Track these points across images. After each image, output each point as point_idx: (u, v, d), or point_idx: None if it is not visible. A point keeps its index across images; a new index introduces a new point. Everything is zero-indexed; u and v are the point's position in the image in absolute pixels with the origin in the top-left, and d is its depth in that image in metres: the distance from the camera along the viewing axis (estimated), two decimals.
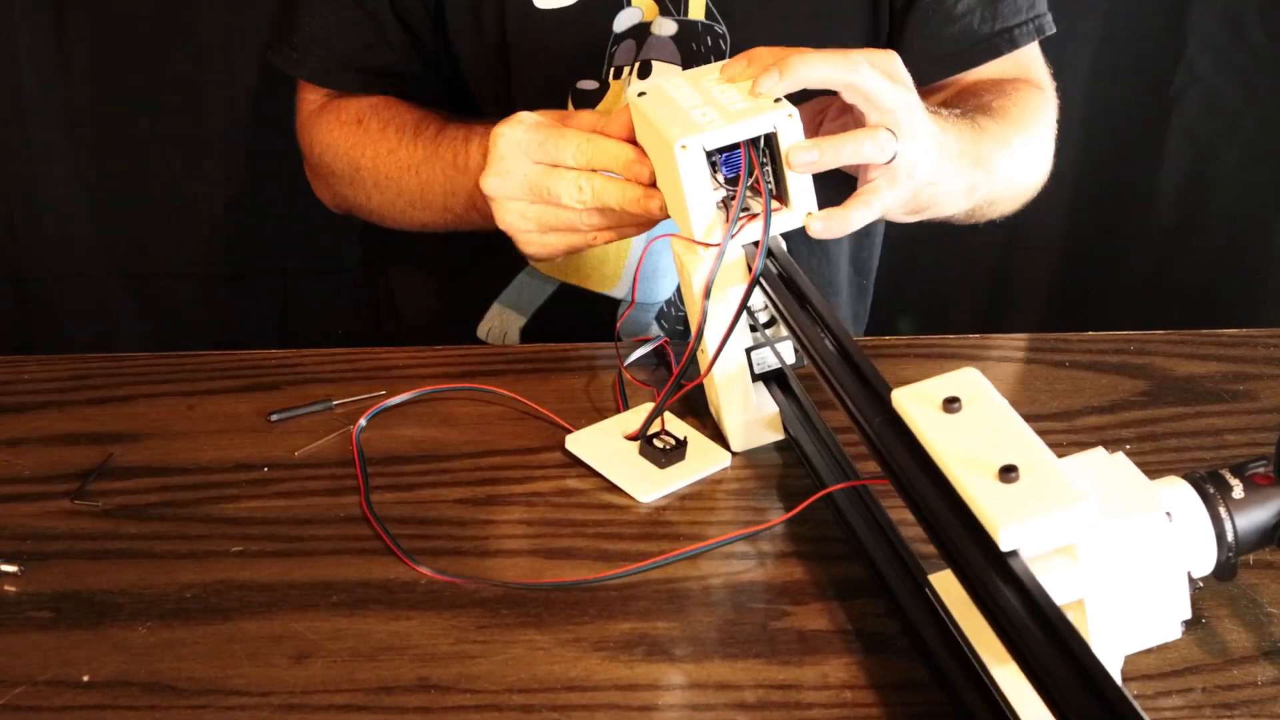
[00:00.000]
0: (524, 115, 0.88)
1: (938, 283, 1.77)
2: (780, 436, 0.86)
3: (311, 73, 1.10)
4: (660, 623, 0.72)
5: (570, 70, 1.06)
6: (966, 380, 0.65)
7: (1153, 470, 0.82)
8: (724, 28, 1.05)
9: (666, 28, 1.05)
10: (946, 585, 0.66)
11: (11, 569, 0.76)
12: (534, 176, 0.86)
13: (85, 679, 0.69)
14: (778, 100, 0.80)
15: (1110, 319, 1.76)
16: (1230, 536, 0.63)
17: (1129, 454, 0.84)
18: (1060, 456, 0.83)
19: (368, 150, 1.05)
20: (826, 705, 0.67)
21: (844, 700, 0.67)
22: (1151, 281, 1.76)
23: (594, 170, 0.85)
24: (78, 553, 0.78)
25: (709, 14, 1.05)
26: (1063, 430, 0.87)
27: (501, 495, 0.82)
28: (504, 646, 0.71)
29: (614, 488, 0.82)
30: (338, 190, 1.10)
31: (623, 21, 1.04)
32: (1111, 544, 0.60)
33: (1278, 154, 1.70)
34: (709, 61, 1.03)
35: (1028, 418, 0.87)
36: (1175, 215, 1.73)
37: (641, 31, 1.05)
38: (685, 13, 1.05)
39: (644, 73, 1.05)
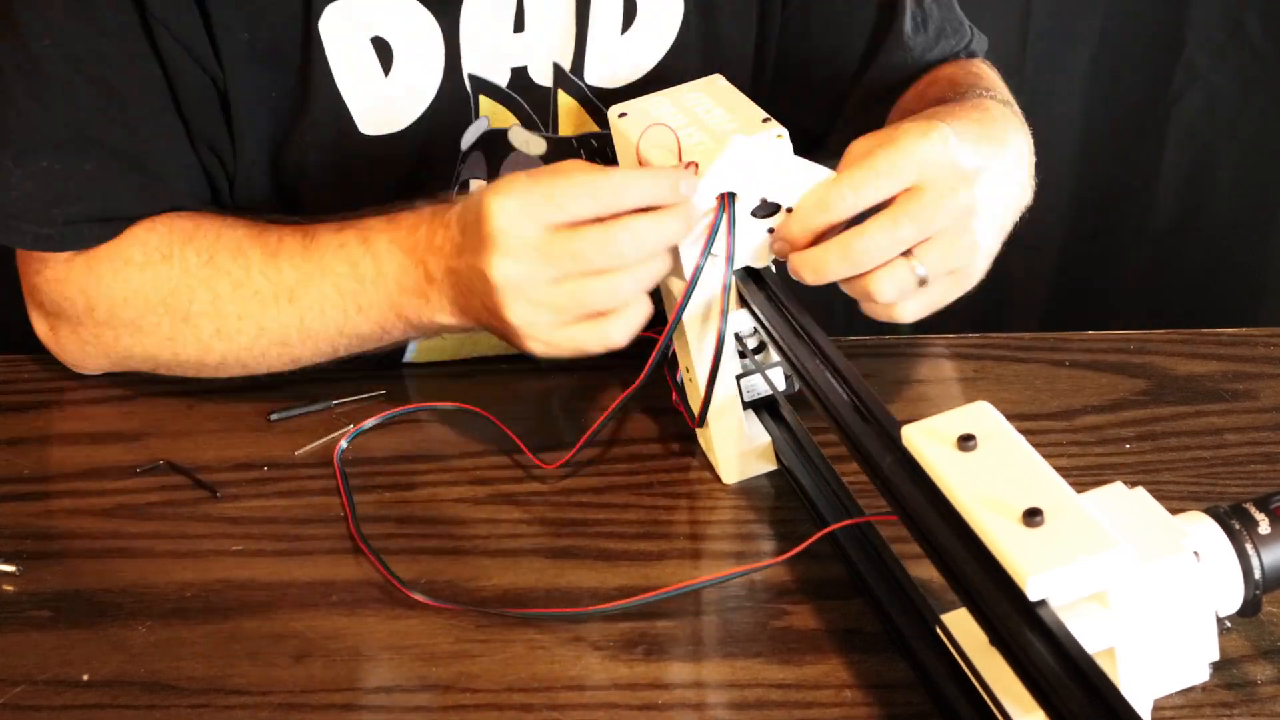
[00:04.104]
0: (512, 177, 0.74)
1: None
2: (773, 467, 0.83)
3: (65, 230, 0.85)
4: (660, 623, 0.72)
5: (408, 193, 0.87)
6: (979, 415, 0.62)
7: (1153, 469, 0.83)
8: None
9: (535, 146, 0.93)
10: (961, 627, 0.63)
11: (11, 569, 0.76)
12: (557, 246, 0.71)
13: (85, 678, 0.69)
14: (766, 119, 0.77)
15: (1110, 319, 1.76)
16: (1257, 574, 0.62)
17: (1129, 453, 0.85)
18: (1060, 457, 0.83)
19: (200, 292, 0.84)
20: (826, 705, 0.67)
21: (844, 700, 0.67)
22: (1151, 281, 1.76)
23: (627, 211, 0.72)
24: (78, 552, 0.78)
25: (600, 119, 0.94)
26: (1062, 430, 0.87)
27: (501, 495, 0.82)
28: (504, 646, 0.71)
29: (612, 488, 0.82)
30: (138, 349, 0.87)
31: (470, 135, 0.93)
32: (1143, 589, 0.58)
33: (1278, 154, 1.70)
34: None
35: (1028, 417, 0.88)
36: (1175, 215, 1.73)
37: (494, 140, 0.93)
38: (554, 129, 0.93)
39: None
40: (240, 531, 0.79)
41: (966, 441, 0.60)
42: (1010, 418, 0.62)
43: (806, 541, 0.75)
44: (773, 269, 0.80)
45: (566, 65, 0.92)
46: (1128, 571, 0.56)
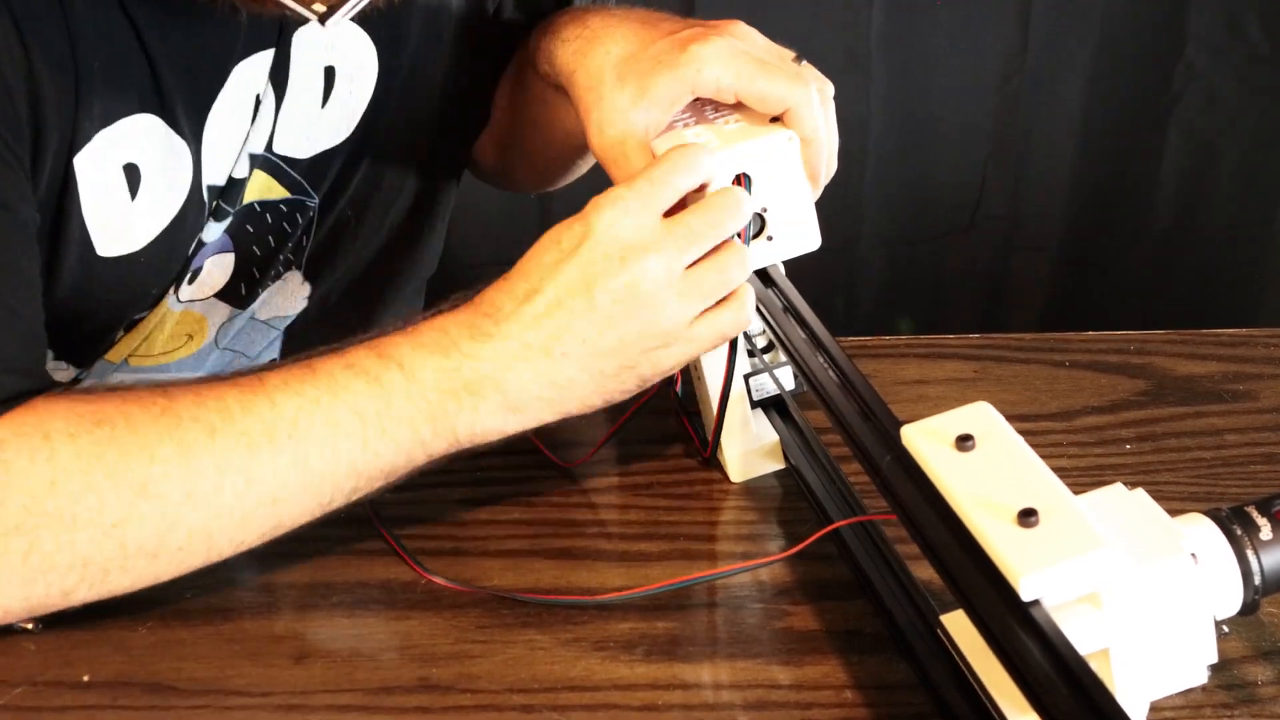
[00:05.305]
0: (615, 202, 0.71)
1: (938, 283, 1.77)
2: (781, 465, 0.83)
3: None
4: (660, 623, 0.72)
5: (136, 308, 0.87)
6: (979, 415, 0.62)
7: (1153, 470, 0.83)
8: (316, 197, 0.93)
9: (213, 231, 0.88)
10: (959, 627, 0.63)
11: (27, 625, 0.72)
12: (676, 228, 0.71)
13: (85, 679, 0.69)
14: (774, 120, 0.77)
15: (1110, 319, 1.76)
16: (1257, 579, 0.61)
17: (1129, 454, 0.85)
18: (1060, 457, 0.84)
19: (162, 448, 0.67)
20: (826, 705, 0.67)
21: (844, 700, 0.67)
22: (1151, 281, 1.76)
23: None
24: None
25: (294, 187, 0.91)
26: (1062, 430, 0.87)
27: (501, 495, 0.82)
28: (504, 646, 0.71)
29: (613, 488, 0.82)
30: (63, 556, 0.66)
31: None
32: (1137, 590, 0.58)
33: (1277, 154, 1.71)
34: (285, 241, 0.93)
35: (1028, 418, 0.88)
36: (1174, 215, 1.73)
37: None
38: (239, 203, 0.88)
39: (192, 279, 0.89)
40: None
41: (965, 441, 0.61)
42: (1010, 418, 0.62)
43: (805, 541, 0.75)
44: (780, 268, 0.80)
45: (261, 147, 0.88)
46: (1119, 572, 0.56)
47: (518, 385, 0.71)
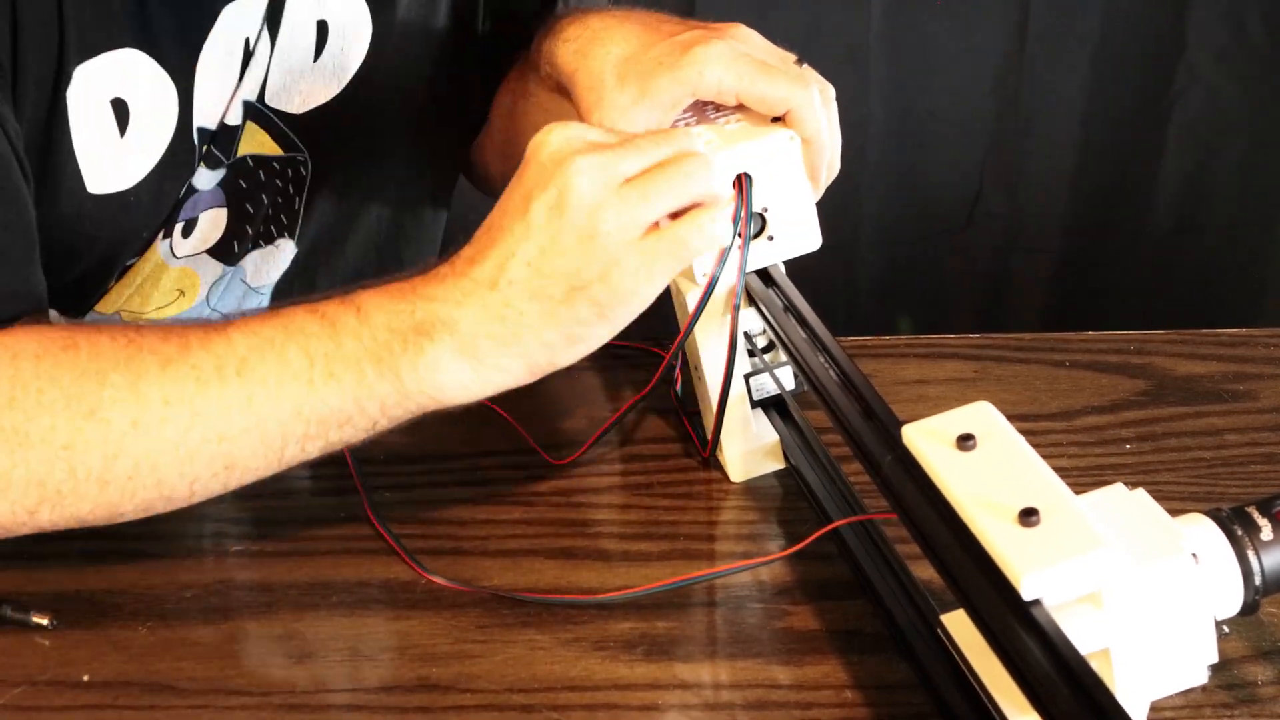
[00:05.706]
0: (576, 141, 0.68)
1: (938, 283, 1.77)
2: (781, 465, 0.83)
3: None
4: (660, 623, 0.72)
5: (127, 251, 0.87)
6: (980, 415, 0.62)
7: (1153, 470, 0.83)
8: (307, 155, 0.93)
9: (207, 180, 0.88)
10: (959, 627, 0.63)
11: (43, 621, 0.73)
12: (619, 145, 0.68)
13: (85, 679, 0.69)
14: (776, 120, 0.77)
15: (1110, 319, 1.76)
16: (1258, 579, 0.61)
17: (1129, 454, 0.85)
18: (1060, 457, 0.83)
19: (116, 374, 0.68)
20: (826, 705, 0.67)
21: (844, 700, 0.67)
22: (1151, 281, 1.76)
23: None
24: (78, 553, 0.78)
25: (287, 144, 0.91)
26: (1062, 430, 0.87)
27: (501, 495, 0.82)
28: (504, 646, 0.71)
29: (613, 488, 0.83)
30: (19, 472, 0.67)
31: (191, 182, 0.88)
32: (1138, 590, 0.58)
33: (1278, 154, 1.71)
34: (277, 198, 0.94)
35: (1028, 417, 0.88)
36: (1175, 215, 1.73)
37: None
38: (234, 154, 0.89)
39: (187, 232, 0.89)
40: (240, 531, 0.79)
41: (965, 441, 0.61)
42: (1010, 418, 0.62)
43: (805, 540, 0.75)
44: (781, 268, 0.80)
45: (254, 96, 0.89)
46: (1120, 572, 0.56)
47: (468, 324, 0.67)
